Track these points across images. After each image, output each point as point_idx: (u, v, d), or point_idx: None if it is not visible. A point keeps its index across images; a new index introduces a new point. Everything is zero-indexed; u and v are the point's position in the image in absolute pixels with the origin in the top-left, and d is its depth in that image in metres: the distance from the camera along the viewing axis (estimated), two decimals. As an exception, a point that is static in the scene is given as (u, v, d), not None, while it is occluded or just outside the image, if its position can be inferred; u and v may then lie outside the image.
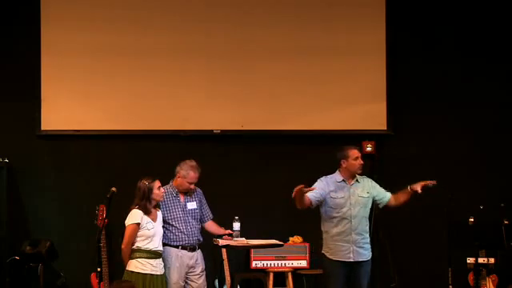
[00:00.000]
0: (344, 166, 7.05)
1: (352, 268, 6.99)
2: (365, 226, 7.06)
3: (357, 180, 7.09)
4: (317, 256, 8.15)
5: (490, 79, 8.75)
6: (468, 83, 8.77)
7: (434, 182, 6.96)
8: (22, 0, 8.67)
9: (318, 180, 7.08)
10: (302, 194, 6.75)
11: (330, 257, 7.02)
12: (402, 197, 7.07)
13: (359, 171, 7.07)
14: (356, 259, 6.98)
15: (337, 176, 7.09)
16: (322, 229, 7.11)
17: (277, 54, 8.68)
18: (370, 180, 7.19)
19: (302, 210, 6.91)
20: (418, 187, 6.96)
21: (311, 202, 6.92)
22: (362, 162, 7.05)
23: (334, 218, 6.99)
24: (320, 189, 6.98)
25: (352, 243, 6.96)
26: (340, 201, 6.99)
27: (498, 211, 7.77)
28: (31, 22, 8.57)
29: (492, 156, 8.67)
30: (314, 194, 6.91)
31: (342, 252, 6.97)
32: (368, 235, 7.10)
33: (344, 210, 6.95)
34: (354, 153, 7.06)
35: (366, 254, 7.05)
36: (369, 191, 7.09)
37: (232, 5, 8.71)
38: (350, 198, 6.99)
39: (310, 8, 8.72)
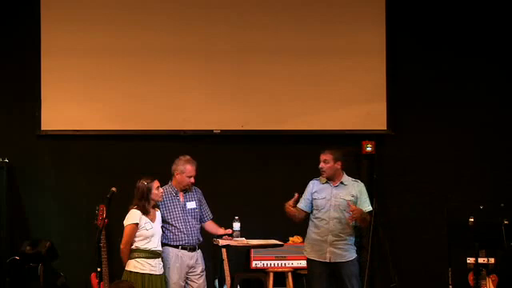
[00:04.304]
0: None
1: (332, 269, 7.02)
2: (344, 228, 7.02)
3: (342, 182, 7.11)
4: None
5: (489, 79, 8.75)
6: (468, 83, 8.76)
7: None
8: (22, 0, 8.66)
9: (309, 183, 7.18)
10: (293, 210, 6.97)
11: (308, 256, 7.12)
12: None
13: (322, 175, 7.10)
14: (333, 260, 6.99)
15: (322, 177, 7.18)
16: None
17: (277, 55, 8.67)
18: (361, 186, 7.17)
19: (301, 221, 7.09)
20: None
21: (306, 211, 7.10)
22: (321, 166, 7.06)
23: (316, 218, 7.08)
24: (308, 193, 7.12)
25: (328, 244, 6.99)
26: (321, 202, 7.06)
27: (498, 211, 7.77)
28: (31, 22, 8.56)
29: (492, 156, 8.66)
30: (303, 202, 7.08)
31: (318, 252, 7.03)
32: (350, 237, 7.05)
33: (323, 210, 7.02)
34: (321, 155, 7.14)
35: (344, 255, 7.03)
36: (354, 195, 7.08)
37: (232, 5, 8.70)
38: (331, 200, 7.02)
39: (310, 8, 8.70)
